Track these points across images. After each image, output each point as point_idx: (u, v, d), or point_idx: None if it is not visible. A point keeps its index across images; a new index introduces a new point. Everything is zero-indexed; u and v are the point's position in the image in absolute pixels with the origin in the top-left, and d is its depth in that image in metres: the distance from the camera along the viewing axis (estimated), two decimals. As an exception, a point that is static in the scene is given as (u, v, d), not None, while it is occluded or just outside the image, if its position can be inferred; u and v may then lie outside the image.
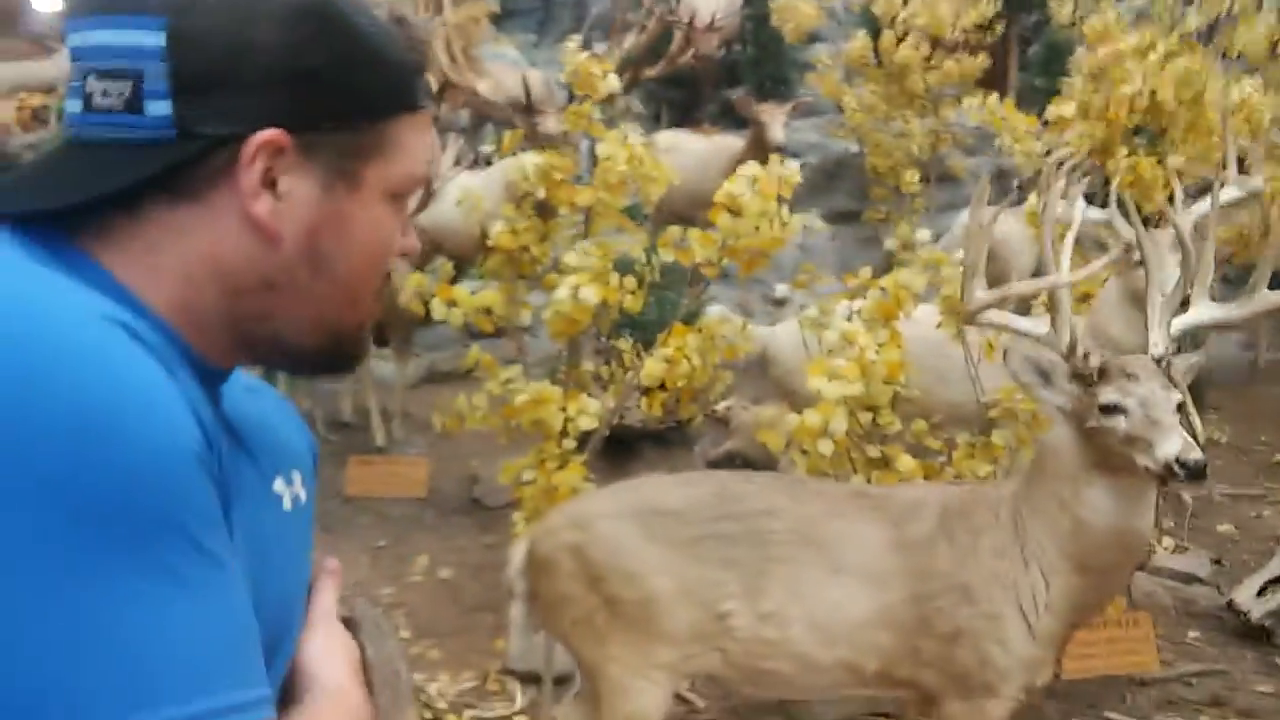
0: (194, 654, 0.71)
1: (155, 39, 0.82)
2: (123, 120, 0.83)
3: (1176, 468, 2.29)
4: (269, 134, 0.84)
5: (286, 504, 0.97)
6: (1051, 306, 2.58)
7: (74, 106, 0.86)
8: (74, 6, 0.87)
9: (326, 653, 0.98)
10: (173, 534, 0.71)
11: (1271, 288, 2.70)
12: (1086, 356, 2.48)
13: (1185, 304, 2.66)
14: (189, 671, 0.71)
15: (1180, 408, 2.40)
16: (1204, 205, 3.98)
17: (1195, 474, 2.29)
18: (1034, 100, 8.70)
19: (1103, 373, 2.45)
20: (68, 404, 0.69)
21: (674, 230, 3.68)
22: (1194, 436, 2.41)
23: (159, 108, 0.82)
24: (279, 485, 0.97)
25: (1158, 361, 2.46)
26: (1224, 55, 9.54)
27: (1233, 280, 8.06)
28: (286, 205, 0.87)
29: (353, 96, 0.88)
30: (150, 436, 0.71)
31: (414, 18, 0.98)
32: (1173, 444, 2.30)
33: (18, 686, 0.67)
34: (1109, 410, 2.41)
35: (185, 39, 0.82)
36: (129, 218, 0.85)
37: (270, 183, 0.86)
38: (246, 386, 1.00)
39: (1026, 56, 12.33)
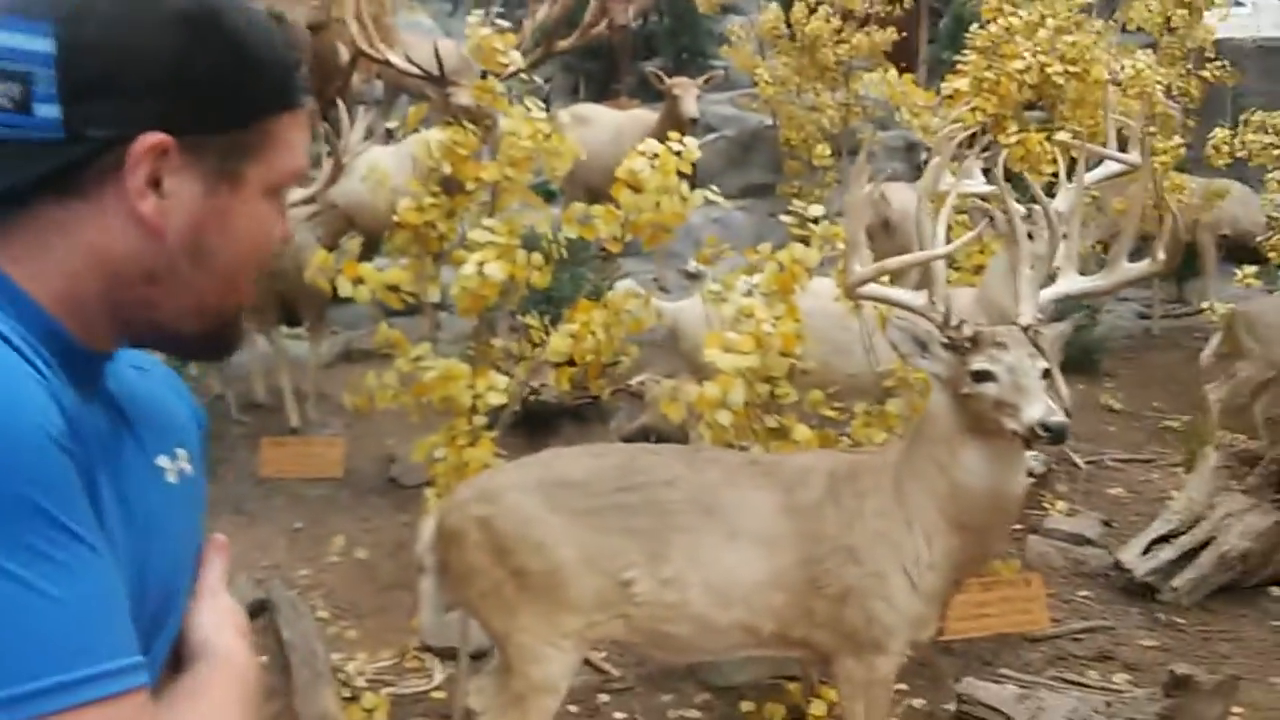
0: (59, 628, 0.76)
1: (45, 45, 0.86)
2: (13, 120, 0.87)
3: (1040, 430, 2.44)
4: (154, 138, 0.88)
5: (171, 478, 1.01)
6: (927, 278, 2.70)
7: None
8: None
9: (215, 621, 1.02)
10: (32, 515, 0.76)
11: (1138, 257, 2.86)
12: (960, 326, 2.61)
13: (1055, 276, 2.80)
14: (55, 645, 0.75)
15: (1046, 374, 2.54)
16: (1094, 175, 4.17)
17: (1057, 436, 2.44)
18: (943, 73, 8.91)
19: (974, 341, 2.59)
20: None
21: (578, 206, 3.72)
22: (1059, 402, 2.55)
23: (48, 110, 0.87)
24: (163, 460, 1.01)
25: (1025, 331, 2.60)
26: (1124, 29, 9.87)
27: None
28: (171, 203, 0.91)
29: (235, 100, 0.93)
30: (6, 426, 0.76)
31: (291, 14, 1.03)
32: (1037, 408, 2.44)
33: None
34: (980, 377, 2.55)
35: (73, 46, 0.86)
36: (19, 212, 0.89)
37: (155, 182, 0.90)
38: (135, 365, 1.04)
39: (937, 29, 12.56)
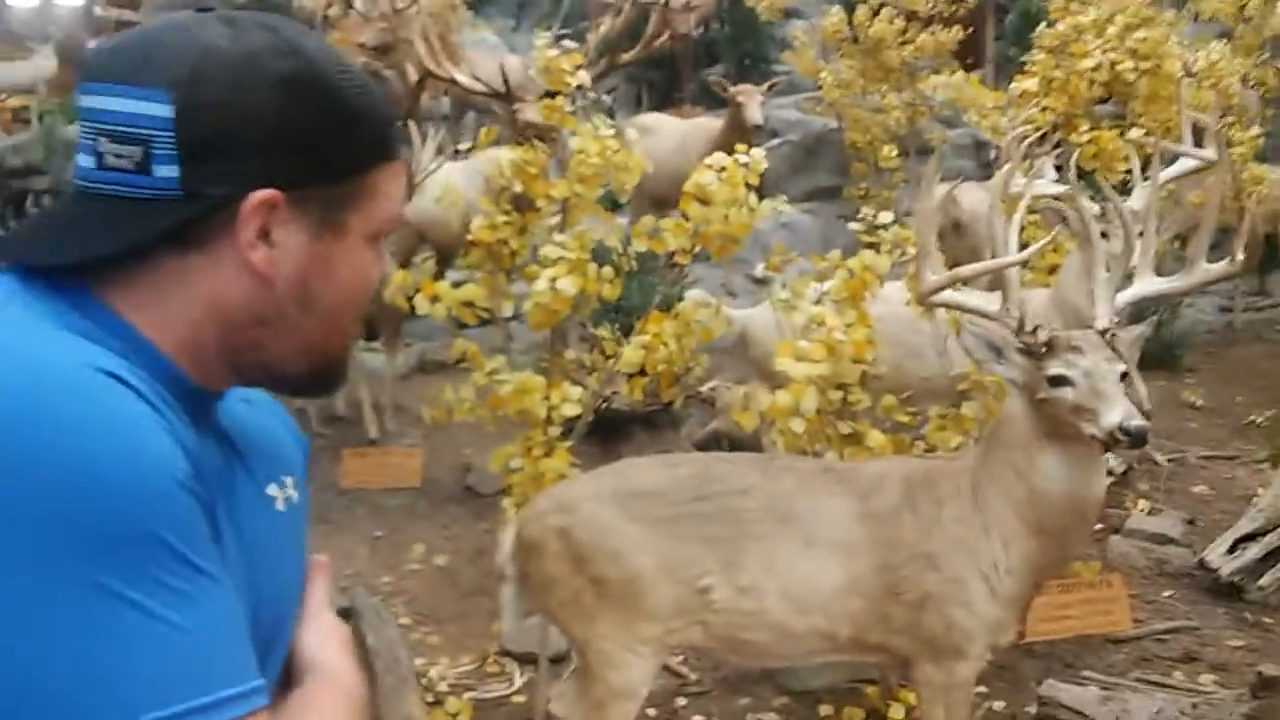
0: (186, 655, 0.82)
1: (164, 110, 0.93)
2: (133, 180, 0.94)
3: (1120, 434, 2.43)
4: (264, 194, 0.95)
5: (280, 505, 1.09)
6: (1000, 283, 2.70)
7: (87, 162, 0.97)
8: (89, 73, 0.98)
9: (322, 640, 1.09)
10: (161, 552, 0.82)
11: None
12: (1035, 331, 2.61)
13: (1131, 277, 2.78)
14: (183, 672, 0.81)
15: (1124, 377, 2.53)
16: (1169, 173, 4.12)
17: (1137, 440, 2.43)
18: (1011, 70, 8.80)
19: (1050, 346, 2.58)
20: (59, 447, 0.80)
21: (647, 220, 3.78)
22: (1138, 404, 2.54)
23: (167, 170, 0.94)
24: (272, 490, 1.08)
25: (1102, 334, 2.59)
26: (1196, 19, 9.66)
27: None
28: (279, 253, 0.98)
29: (339, 155, 1.00)
30: (134, 469, 0.82)
31: (384, 72, 1.11)
32: (1116, 412, 2.44)
33: (31, 696, 0.77)
34: (1056, 382, 2.55)
35: (188, 111, 0.93)
36: (141, 264, 0.97)
37: (265, 234, 0.97)
38: (242, 397, 1.11)
39: (1003, 25, 12.40)
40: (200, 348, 0.99)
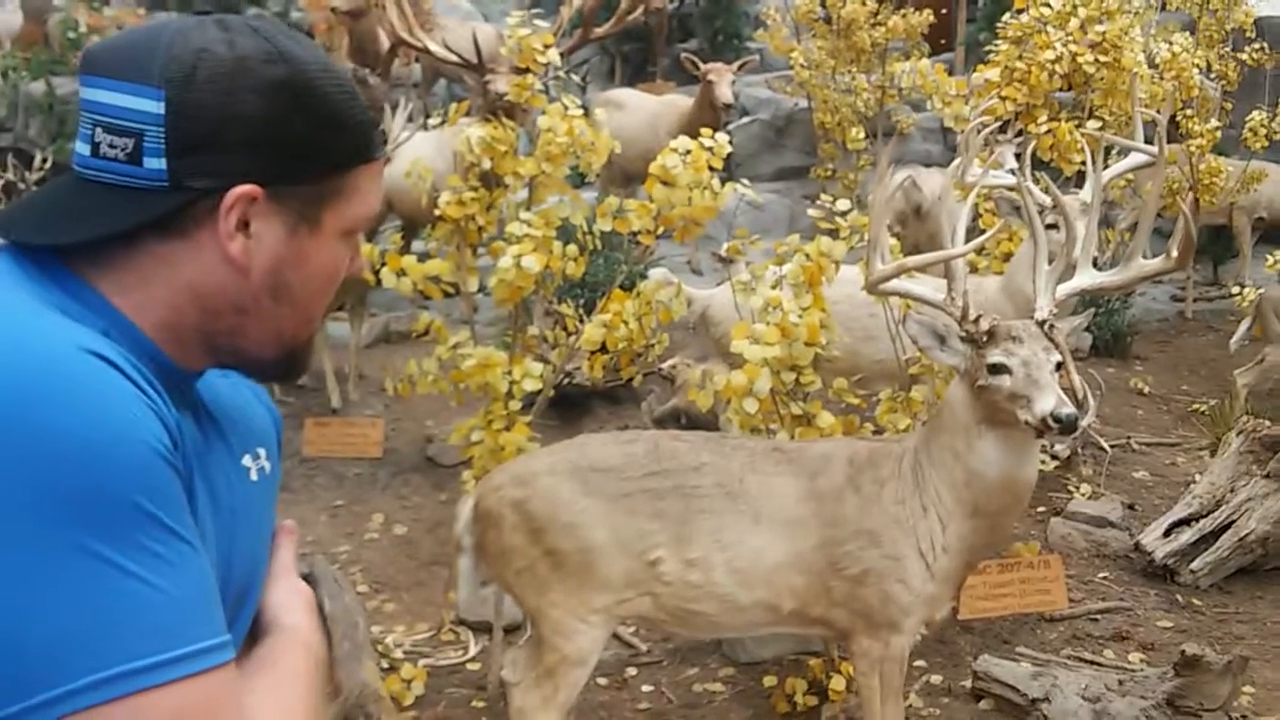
0: (164, 613, 0.89)
1: (156, 106, 1.00)
2: (125, 170, 1.02)
3: (1051, 421, 2.55)
4: (245, 189, 1.02)
5: (253, 475, 1.17)
6: (947, 275, 2.79)
7: (83, 149, 1.04)
8: (90, 66, 1.05)
9: (285, 599, 1.18)
10: (143, 518, 0.90)
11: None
12: (977, 320, 2.71)
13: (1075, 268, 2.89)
14: (161, 628, 0.89)
15: (1059, 367, 2.64)
16: (1117, 168, 4.23)
17: (1067, 428, 2.55)
18: (981, 54, 8.89)
19: (991, 335, 2.69)
20: (49, 423, 0.87)
21: (612, 201, 3.85)
22: (1073, 393, 2.65)
23: (156, 163, 1.01)
24: (247, 460, 1.16)
25: (1040, 325, 2.69)
26: (1163, 7, 9.78)
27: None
28: (256, 244, 1.05)
29: (319, 156, 1.07)
30: (118, 442, 0.89)
31: (373, 78, 1.18)
32: (1048, 401, 2.55)
33: (24, 646, 0.85)
34: (995, 370, 2.66)
35: (180, 108, 1.00)
36: (127, 250, 1.03)
37: (244, 225, 1.04)
38: (220, 373, 1.18)
39: (975, 9, 12.49)
40: (180, 330, 1.06)
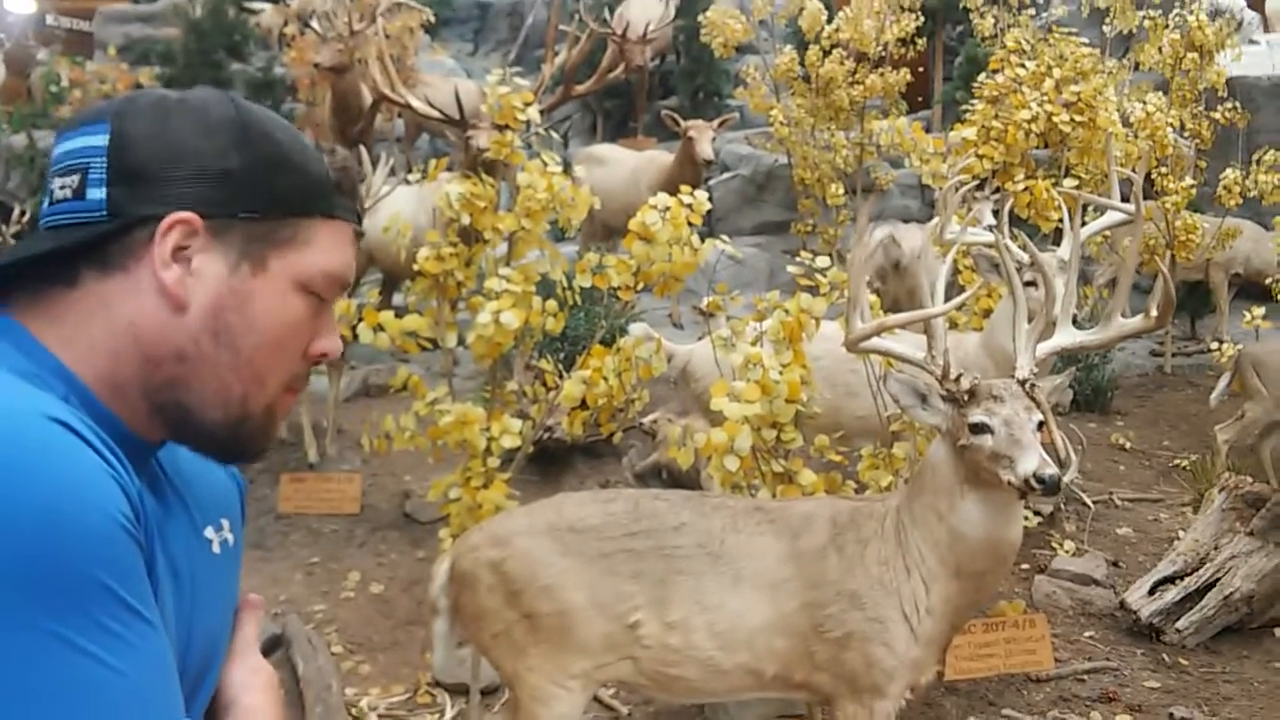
0: (121, 698, 0.85)
1: (101, 139, 1.01)
2: (71, 206, 1.01)
3: (1034, 482, 2.52)
4: (182, 215, 1.00)
5: (215, 548, 1.12)
6: (927, 333, 2.78)
7: (44, 205, 1.03)
8: (58, 132, 1.06)
9: (242, 680, 1.13)
10: (103, 596, 0.85)
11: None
12: (958, 379, 2.70)
13: (1055, 326, 2.88)
14: (121, 713, 0.85)
15: (1040, 426, 2.62)
16: (1094, 226, 4.25)
17: (1050, 489, 2.52)
18: (958, 112, 9.01)
19: (972, 394, 2.67)
20: (12, 496, 0.83)
21: (591, 257, 3.84)
22: (1055, 452, 2.63)
23: (97, 193, 1.00)
24: (209, 533, 1.12)
25: (1022, 384, 2.68)
26: (1136, 67, 9.96)
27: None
28: (195, 279, 1.02)
29: (264, 194, 1.04)
30: (81, 516, 0.85)
31: (340, 150, 1.17)
32: (1030, 461, 2.53)
33: None
34: (977, 429, 2.63)
35: (124, 138, 1.01)
36: (67, 290, 1.01)
37: (181, 255, 1.01)
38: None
39: (952, 66, 12.67)
40: (122, 384, 1.01)
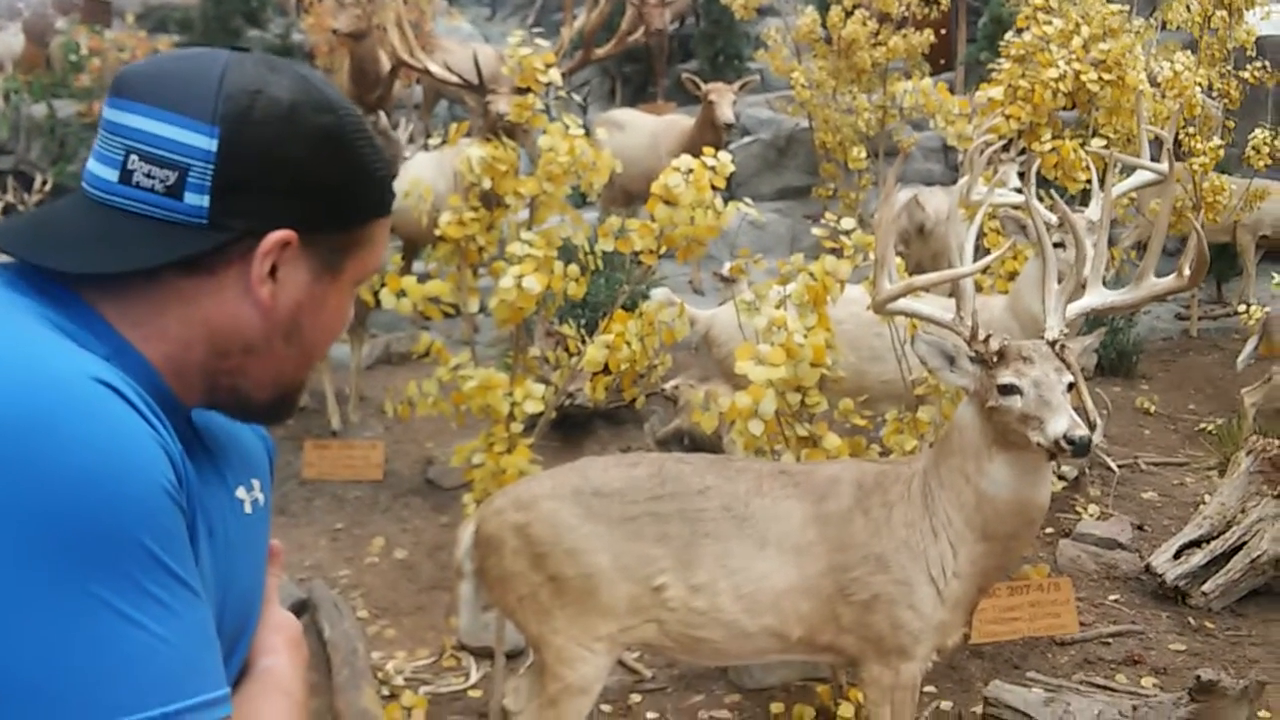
0: (163, 663, 0.86)
1: (208, 143, 0.98)
2: (161, 202, 0.98)
3: (1064, 444, 2.49)
4: (283, 234, 1.01)
5: (247, 508, 1.13)
6: (956, 294, 2.75)
7: (107, 174, 1.00)
8: (126, 90, 1.01)
9: (265, 640, 1.14)
10: (146, 560, 0.86)
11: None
12: (987, 340, 2.67)
13: (1084, 287, 2.84)
14: (159, 679, 0.85)
15: (1071, 388, 2.59)
16: (1123, 186, 4.20)
17: (1080, 450, 2.49)
18: (981, 73, 8.87)
19: (1001, 356, 2.64)
20: (58, 458, 0.83)
21: (613, 221, 3.81)
22: (1084, 414, 2.60)
23: (197, 200, 0.98)
24: (241, 493, 1.13)
25: (1052, 345, 2.65)
26: (1164, 26, 9.80)
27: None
28: (280, 288, 1.04)
29: (351, 207, 1.07)
30: (127, 480, 0.86)
31: (391, 131, 1.17)
32: (1061, 423, 2.50)
33: (11, 693, 0.80)
34: (1006, 390, 2.61)
35: (232, 148, 0.98)
36: (145, 280, 1.00)
37: (273, 270, 1.03)
38: None
39: (975, 29, 12.50)
40: (185, 366, 1.03)
